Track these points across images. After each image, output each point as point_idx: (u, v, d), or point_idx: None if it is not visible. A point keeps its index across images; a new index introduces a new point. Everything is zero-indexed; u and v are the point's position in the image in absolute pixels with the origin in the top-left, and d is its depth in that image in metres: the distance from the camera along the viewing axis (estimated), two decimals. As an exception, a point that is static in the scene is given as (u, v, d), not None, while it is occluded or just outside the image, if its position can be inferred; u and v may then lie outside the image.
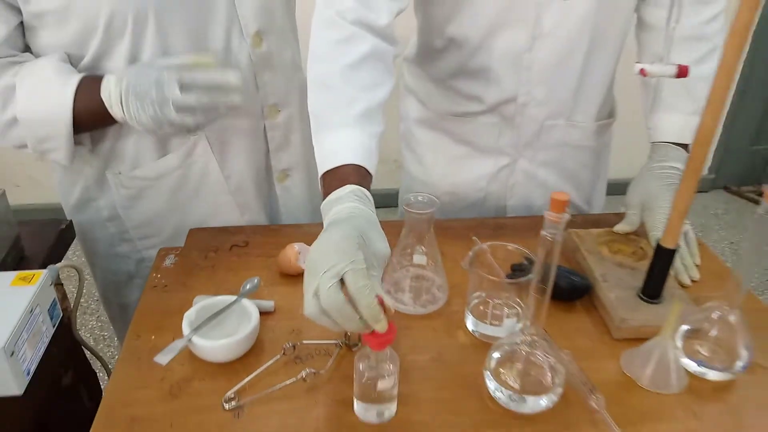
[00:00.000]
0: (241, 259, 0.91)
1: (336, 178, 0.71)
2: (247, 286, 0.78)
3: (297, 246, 0.87)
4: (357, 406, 0.66)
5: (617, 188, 1.17)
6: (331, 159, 0.73)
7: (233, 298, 0.76)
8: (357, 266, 0.58)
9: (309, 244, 0.85)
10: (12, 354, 0.62)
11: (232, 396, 0.67)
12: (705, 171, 2.79)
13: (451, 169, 1.07)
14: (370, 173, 0.73)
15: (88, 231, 1.02)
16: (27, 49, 0.85)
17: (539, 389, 0.66)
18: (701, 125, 0.68)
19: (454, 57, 0.96)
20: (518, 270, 0.78)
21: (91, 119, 0.83)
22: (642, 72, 0.74)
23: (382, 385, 0.63)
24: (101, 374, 1.08)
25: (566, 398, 0.68)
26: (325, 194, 0.71)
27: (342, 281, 0.58)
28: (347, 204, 0.67)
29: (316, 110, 0.78)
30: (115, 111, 0.80)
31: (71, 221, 0.95)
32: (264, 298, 0.81)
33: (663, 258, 0.76)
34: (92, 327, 2.10)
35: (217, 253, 0.92)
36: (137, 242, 1.02)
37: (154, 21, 0.81)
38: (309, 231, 0.96)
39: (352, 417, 0.66)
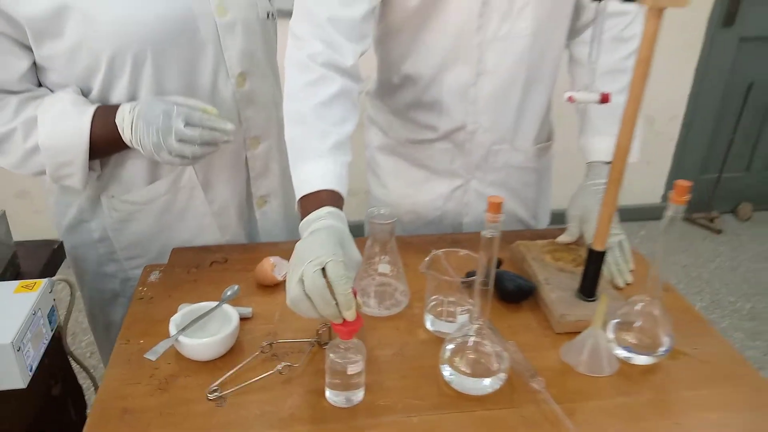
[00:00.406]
0: (221, 274, 0.99)
1: (312, 201, 0.81)
2: (228, 293, 0.87)
3: (273, 259, 0.96)
4: (328, 393, 0.75)
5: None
6: (307, 185, 0.83)
7: (215, 304, 0.85)
8: (337, 258, 0.69)
9: (284, 259, 0.94)
10: (18, 350, 0.69)
11: (215, 388, 0.75)
12: (658, 199, 2.97)
13: (411, 190, 1.18)
14: (342, 197, 0.83)
15: (78, 251, 1.09)
16: (40, 85, 0.95)
17: (487, 373, 0.76)
18: (617, 144, 0.80)
19: (410, 91, 1.08)
20: (472, 275, 0.88)
21: (104, 144, 0.92)
22: (570, 99, 0.86)
23: (351, 370, 0.72)
24: (87, 394, 1.14)
25: (511, 382, 0.77)
26: (303, 215, 0.80)
27: (323, 271, 0.68)
28: (324, 221, 0.77)
29: (293, 143, 0.88)
30: (125, 134, 0.89)
31: (62, 242, 1.03)
32: (243, 306, 0.89)
33: (595, 260, 0.87)
34: (84, 343, 2.15)
35: (199, 269, 1.01)
36: (124, 262, 1.09)
37: (150, 61, 0.91)
38: (284, 248, 1.04)
39: (324, 403, 0.75)
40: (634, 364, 0.82)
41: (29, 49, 0.89)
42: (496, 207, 0.67)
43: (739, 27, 2.64)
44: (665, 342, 0.81)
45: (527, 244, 1.04)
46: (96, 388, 1.08)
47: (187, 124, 0.88)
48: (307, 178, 0.84)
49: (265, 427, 0.71)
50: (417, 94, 1.08)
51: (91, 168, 0.95)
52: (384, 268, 0.92)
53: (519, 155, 1.14)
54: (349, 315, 0.68)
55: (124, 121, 0.89)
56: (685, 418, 0.74)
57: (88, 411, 0.91)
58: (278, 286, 0.96)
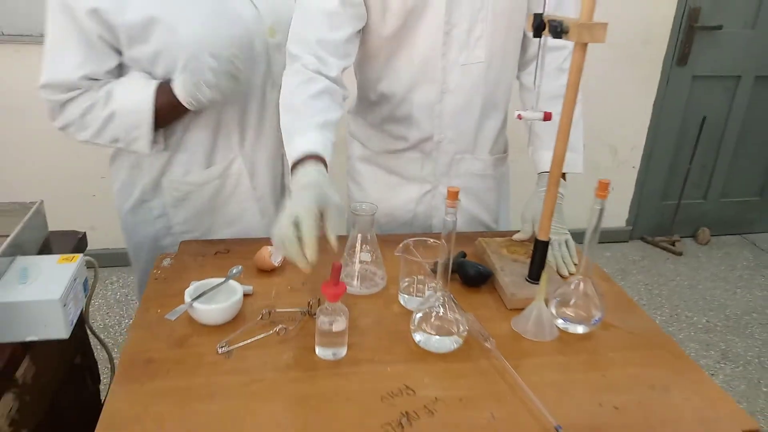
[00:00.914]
0: (223, 261, 1.15)
1: (301, 162, 0.98)
2: (233, 271, 1.03)
3: (269, 248, 1.12)
4: (318, 349, 0.91)
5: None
6: (296, 152, 1.00)
7: (223, 279, 1.01)
8: (310, 212, 0.87)
9: (278, 254, 1.11)
10: (64, 305, 0.84)
11: (224, 344, 0.91)
12: (623, 224, 3.18)
13: (386, 195, 1.36)
14: (325, 160, 1.00)
15: (138, 227, 1.30)
16: None
17: (448, 335, 0.92)
18: (554, 153, 0.98)
19: (385, 107, 1.28)
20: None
21: (166, 107, 1.12)
22: (519, 116, 1.05)
23: (335, 327, 0.88)
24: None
25: (468, 343, 0.94)
26: (294, 171, 0.99)
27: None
28: (309, 169, 0.95)
29: (285, 127, 1.08)
30: (178, 91, 1.10)
31: (85, 233, 1.18)
32: (244, 285, 1.05)
33: (540, 248, 1.05)
34: (102, 325, 2.37)
35: (205, 257, 1.17)
36: (178, 236, 1.29)
37: None
38: (278, 242, 1.22)
39: (315, 357, 0.90)
40: (571, 333, 0.99)
41: (119, 52, 1.11)
42: (453, 195, 0.85)
43: (692, 66, 2.90)
44: (596, 314, 0.98)
45: (487, 240, 1.21)
46: (111, 362, 1.23)
47: (218, 58, 1.08)
48: (297, 147, 1.01)
49: (266, 372, 0.86)
50: (391, 109, 1.27)
51: (155, 141, 1.15)
52: (365, 256, 1.08)
53: (479, 164, 1.33)
54: (309, 253, 0.85)
55: (176, 84, 1.10)
56: (610, 372, 0.91)
57: (101, 384, 1.05)
58: (275, 270, 1.12)
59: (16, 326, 0.84)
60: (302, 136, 1.03)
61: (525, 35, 1.24)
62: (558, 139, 0.97)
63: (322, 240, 0.88)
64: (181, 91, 1.10)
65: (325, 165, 1.00)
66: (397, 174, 1.35)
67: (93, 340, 1.21)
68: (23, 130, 2.38)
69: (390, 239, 1.24)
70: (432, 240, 1.04)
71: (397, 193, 1.36)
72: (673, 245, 3.18)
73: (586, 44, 0.90)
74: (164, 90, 1.11)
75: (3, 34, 2.25)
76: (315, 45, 1.10)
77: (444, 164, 1.31)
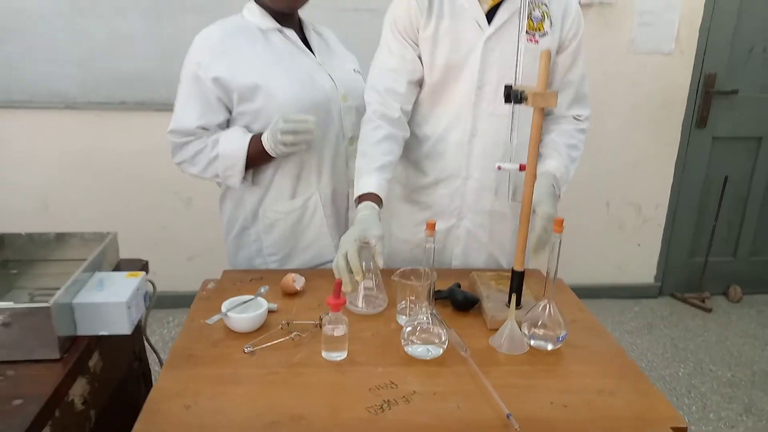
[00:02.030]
0: (257, 285, 1.38)
1: (360, 200, 1.33)
2: (261, 290, 1.26)
3: (293, 275, 1.36)
4: (323, 353, 1.12)
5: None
6: (359, 191, 1.35)
7: (253, 296, 1.24)
8: (352, 247, 1.19)
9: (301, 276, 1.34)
10: (129, 308, 1.09)
11: (249, 346, 1.13)
12: (651, 280, 3.27)
13: (419, 228, 1.58)
14: (380, 197, 1.34)
15: (239, 252, 1.62)
16: None
17: (431, 344, 1.12)
18: (524, 196, 1.19)
19: (424, 146, 1.54)
20: (437, 294, 1.27)
21: (256, 155, 1.44)
22: (498, 167, 1.27)
23: (337, 333, 1.09)
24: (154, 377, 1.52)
25: (449, 352, 1.13)
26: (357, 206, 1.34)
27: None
28: (363, 207, 1.31)
29: (357, 166, 1.41)
30: (265, 144, 1.41)
31: (147, 262, 1.45)
32: (271, 303, 1.28)
33: (516, 278, 1.24)
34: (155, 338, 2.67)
35: (242, 283, 1.41)
36: (267, 257, 1.58)
37: None
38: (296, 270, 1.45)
39: (320, 358, 1.11)
40: (540, 349, 1.17)
41: (229, 110, 1.46)
42: (431, 226, 1.07)
43: (712, 128, 3.04)
44: (561, 333, 1.16)
45: (479, 273, 1.41)
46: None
47: (286, 121, 1.38)
48: (359, 187, 1.36)
49: (281, 367, 1.08)
50: (429, 148, 1.54)
51: (244, 178, 1.48)
52: (368, 283, 1.30)
53: (500, 204, 1.53)
54: (357, 278, 1.18)
55: (264, 138, 1.41)
56: (566, 380, 1.08)
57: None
58: (297, 294, 1.35)
59: (93, 322, 1.09)
60: (364, 178, 1.37)
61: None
62: (526, 182, 1.18)
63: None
64: (266, 143, 1.42)
65: (380, 200, 1.34)
66: (428, 208, 1.60)
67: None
68: (106, 183, 2.77)
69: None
70: (427, 269, 1.25)
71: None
72: (703, 302, 3.24)
73: (543, 108, 1.12)
74: (255, 141, 1.43)
75: (90, 102, 2.66)
76: (382, 92, 1.45)
77: (470, 200, 1.54)
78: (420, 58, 1.45)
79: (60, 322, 1.04)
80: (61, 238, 1.36)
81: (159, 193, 2.83)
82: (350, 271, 1.19)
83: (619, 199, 3.13)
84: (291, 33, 1.50)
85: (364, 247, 1.25)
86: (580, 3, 2.74)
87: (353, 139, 1.54)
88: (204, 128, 1.45)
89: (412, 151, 1.59)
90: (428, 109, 1.52)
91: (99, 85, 2.63)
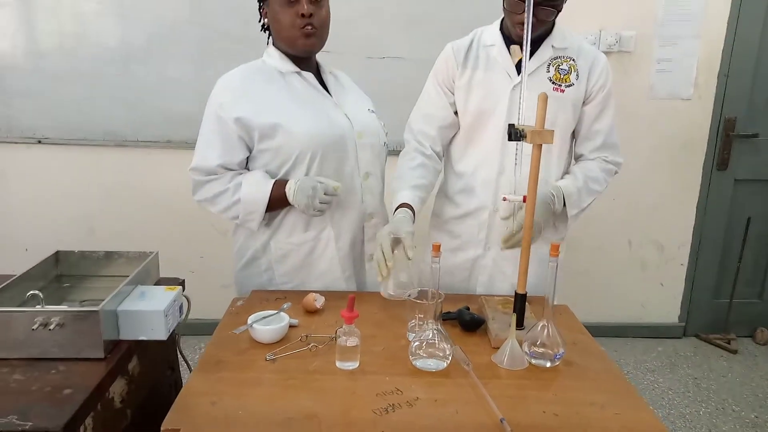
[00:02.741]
0: (281, 303, 1.51)
1: (397, 209, 1.55)
2: (284, 306, 1.39)
3: (315, 294, 1.48)
4: (338, 362, 1.23)
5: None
6: (396, 203, 1.57)
7: (277, 311, 1.36)
8: (387, 239, 1.42)
9: (321, 295, 1.46)
10: (166, 316, 1.23)
11: (271, 354, 1.25)
12: (675, 320, 3.28)
13: (450, 256, 1.72)
14: (413, 207, 1.55)
15: (248, 279, 1.68)
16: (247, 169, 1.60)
17: (437, 358, 1.22)
18: (525, 223, 1.30)
19: (459, 181, 1.70)
20: (446, 315, 1.38)
21: (277, 202, 1.53)
22: (504, 198, 1.39)
23: (349, 343, 1.20)
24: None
25: (452, 365, 1.23)
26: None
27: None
28: (398, 212, 1.53)
29: (393, 186, 1.62)
30: (289, 196, 1.51)
31: (184, 280, 1.59)
32: (293, 318, 1.40)
33: (519, 299, 1.34)
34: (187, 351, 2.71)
35: (268, 301, 1.53)
36: (279, 286, 1.66)
37: (318, 159, 1.54)
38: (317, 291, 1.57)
39: (334, 367, 1.22)
40: (539, 366, 1.26)
41: (249, 149, 1.55)
42: (437, 248, 1.18)
43: (733, 170, 3.09)
44: (559, 351, 1.25)
45: (488, 298, 1.51)
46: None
47: (327, 193, 1.50)
48: (396, 200, 1.57)
49: (298, 374, 1.19)
50: (463, 183, 1.70)
51: (263, 220, 1.57)
52: (402, 276, 1.46)
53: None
54: (389, 264, 1.39)
55: (289, 189, 1.51)
56: (561, 393, 1.17)
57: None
58: (317, 311, 1.47)
59: (134, 328, 1.23)
60: (399, 193, 1.59)
61: (572, 135, 1.68)
62: (526, 213, 1.29)
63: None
64: (294, 198, 1.50)
65: (413, 211, 1.54)
66: (457, 237, 1.74)
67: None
68: (150, 215, 2.97)
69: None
70: (432, 290, 1.36)
71: (456, 255, 1.74)
72: (729, 343, 3.22)
73: (540, 145, 1.24)
74: (278, 187, 1.52)
75: (138, 141, 2.88)
76: (416, 133, 1.70)
77: (497, 233, 1.67)
78: (455, 104, 1.65)
79: (106, 325, 1.18)
80: (109, 256, 1.52)
81: (197, 225, 3.00)
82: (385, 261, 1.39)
83: (642, 238, 3.18)
84: (309, 75, 1.60)
85: (397, 242, 1.44)
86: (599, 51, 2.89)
87: (368, 175, 1.64)
88: (224, 167, 1.53)
89: (449, 186, 1.76)
90: (462, 148, 1.71)
91: (147, 125, 2.86)
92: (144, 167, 2.94)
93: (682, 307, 3.31)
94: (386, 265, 1.40)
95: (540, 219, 1.55)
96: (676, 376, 2.96)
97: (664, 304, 3.31)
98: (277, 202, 1.53)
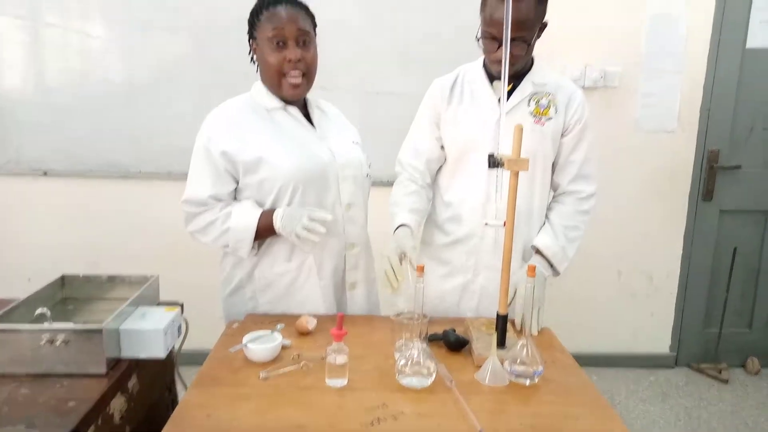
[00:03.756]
0: (275, 325, 1.58)
1: (397, 229, 1.66)
2: (278, 327, 1.45)
3: (307, 317, 1.55)
4: (327, 379, 1.29)
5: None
6: (396, 224, 1.69)
7: (270, 331, 1.43)
8: (393, 252, 1.56)
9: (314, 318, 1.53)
10: (165, 334, 1.30)
11: (264, 372, 1.31)
12: (666, 349, 3.33)
13: (440, 281, 1.80)
14: (411, 227, 1.68)
15: (233, 308, 1.73)
16: (235, 199, 1.65)
17: (421, 375, 1.28)
18: (504, 247, 1.37)
19: (447, 210, 1.79)
20: (433, 336, 1.45)
21: (264, 230, 1.58)
22: (486, 224, 1.47)
23: (338, 361, 1.27)
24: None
25: (436, 382, 1.29)
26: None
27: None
28: (398, 230, 1.65)
29: (392, 212, 1.73)
30: (276, 222, 1.56)
31: (183, 304, 1.66)
32: (285, 339, 1.47)
33: (501, 320, 1.41)
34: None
35: (263, 323, 1.60)
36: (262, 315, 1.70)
37: (301, 191, 1.60)
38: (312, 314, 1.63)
39: (324, 384, 1.29)
40: (519, 383, 1.32)
41: (236, 180, 1.61)
42: (420, 269, 1.26)
43: (718, 201, 3.18)
44: (538, 368, 1.31)
45: (472, 320, 1.58)
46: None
47: (310, 219, 1.54)
48: (395, 222, 1.69)
49: (290, 390, 1.26)
50: (451, 212, 1.78)
51: (252, 247, 1.62)
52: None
53: (512, 262, 1.71)
54: (399, 277, 1.53)
55: (276, 217, 1.57)
56: (538, 407, 1.23)
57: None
58: (310, 333, 1.53)
59: (134, 346, 1.30)
60: (398, 216, 1.71)
61: (553, 165, 1.77)
62: (506, 237, 1.37)
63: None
64: (280, 226, 1.55)
65: (412, 230, 1.67)
66: (447, 264, 1.81)
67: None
68: (152, 245, 3.05)
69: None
70: (418, 313, 1.43)
71: (446, 281, 1.82)
72: (720, 373, 3.26)
73: (517, 173, 1.33)
74: (266, 216, 1.57)
75: (141, 172, 2.98)
76: (406, 165, 1.82)
77: (485, 259, 1.75)
78: (441, 138, 1.77)
79: (109, 343, 1.25)
80: (112, 279, 1.60)
81: (197, 255, 3.07)
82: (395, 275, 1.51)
83: (631, 268, 3.25)
84: (294, 110, 1.65)
85: (403, 257, 1.55)
86: (585, 86, 3.02)
87: (350, 206, 1.69)
88: (215, 198, 1.58)
89: (437, 214, 1.85)
90: (449, 179, 1.80)
91: (150, 157, 2.96)
92: (146, 198, 3.03)
93: (673, 337, 3.36)
94: (396, 277, 1.51)
95: (539, 293, 1.63)
96: (668, 406, 2.99)
97: (655, 334, 3.35)
98: (265, 230, 1.58)
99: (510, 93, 1.67)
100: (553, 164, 1.77)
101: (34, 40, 2.84)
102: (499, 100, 1.68)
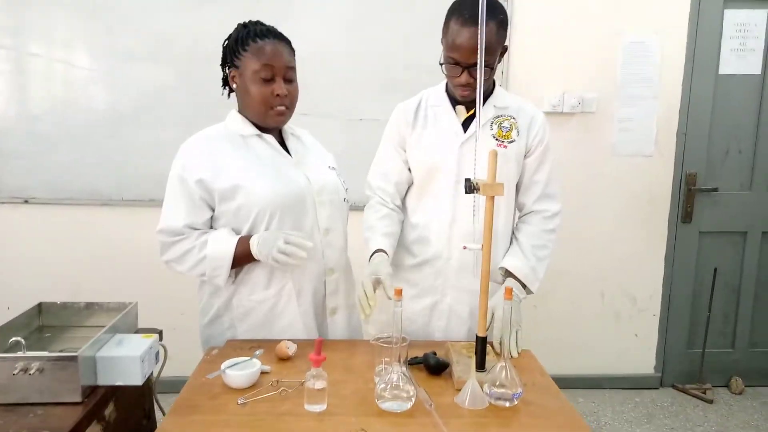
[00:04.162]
0: (254, 352, 1.57)
1: (373, 255, 1.66)
2: (257, 353, 1.45)
3: (287, 342, 1.54)
4: (306, 405, 1.29)
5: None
6: (371, 250, 1.68)
7: (249, 358, 1.43)
8: (368, 281, 1.55)
9: (294, 343, 1.53)
10: (142, 361, 1.29)
11: (242, 399, 1.31)
12: (651, 370, 3.34)
13: (409, 303, 1.79)
14: (386, 251, 1.67)
15: (212, 336, 1.70)
16: (211, 227, 1.63)
17: (401, 400, 1.28)
18: (482, 271, 1.39)
19: (414, 232, 1.80)
20: (413, 360, 1.45)
21: (242, 256, 1.56)
22: (464, 247, 1.48)
23: (317, 386, 1.26)
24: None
25: (416, 406, 1.29)
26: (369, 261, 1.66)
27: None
28: (374, 257, 1.65)
29: (366, 236, 1.74)
30: (253, 248, 1.54)
31: (162, 330, 1.65)
32: (265, 365, 1.46)
33: (480, 342, 1.41)
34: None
35: (243, 350, 1.59)
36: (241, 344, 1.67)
37: (278, 217, 1.60)
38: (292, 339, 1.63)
39: (303, 410, 1.28)
40: (499, 405, 1.32)
41: (212, 209, 1.59)
42: (398, 292, 1.27)
43: (697, 223, 3.23)
44: (517, 390, 1.31)
45: (453, 344, 1.58)
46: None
47: (286, 242, 1.53)
48: (371, 248, 1.69)
49: (268, 416, 1.25)
50: (417, 233, 1.80)
51: (229, 275, 1.60)
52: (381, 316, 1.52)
53: (478, 282, 1.70)
54: (372, 304, 1.52)
55: (253, 242, 1.56)
56: (519, 428, 1.23)
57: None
58: (290, 359, 1.53)
59: (111, 373, 1.29)
60: (373, 241, 1.71)
61: (517, 187, 1.81)
62: (483, 260, 1.38)
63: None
64: (257, 251, 1.54)
65: (387, 255, 1.68)
66: (416, 286, 1.82)
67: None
68: (133, 272, 3.03)
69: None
70: (397, 336, 1.43)
71: (415, 302, 1.82)
72: (704, 393, 3.27)
73: (493, 197, 1.35)
74: (243, 243, 1.55)
75: (123, 200, 2.98)
76: (375, 189, 1.84)
77: (452, 279, 1.77)
78: (407, 161, 1.78)
79: (84, 371, 1.24)
80: (89, 306, 1.59)
81: (179, 282, 3.05)
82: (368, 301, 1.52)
83: (614, 290, 3.28)
84: (270, 138, 1.65)
85: (377, 284, 1.55)
86: (563, 112, 3.07)
87: (328, 231, 1.69)
88: (191, 227, 1.57)
89: (405, 236, 1.85)
90: (416, 201, 1.81)
91: (132, 185, 2.96)
92: (128, 225, 3.02)
93: (657, 358, 3.37)
94: (369, 304, 1.51)
95: (516, 316, 1.63)
96: (654, 426, 2.99)
97: (640, 355, 3.37)
98: (243, 256, 1.57)
99: (471, 117, 1.71)
100: (516, 186, 1.80)
101: (18, 69, 2.86)
102: (463, 123, 1.71)
